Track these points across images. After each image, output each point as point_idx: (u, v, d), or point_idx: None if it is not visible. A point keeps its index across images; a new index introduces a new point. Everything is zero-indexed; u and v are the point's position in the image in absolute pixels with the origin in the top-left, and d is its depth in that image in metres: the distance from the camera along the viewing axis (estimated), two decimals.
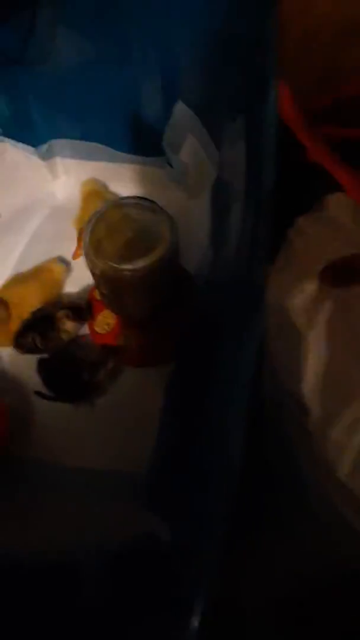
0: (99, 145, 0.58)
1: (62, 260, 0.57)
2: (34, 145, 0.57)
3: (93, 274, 0.43)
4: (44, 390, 0.50)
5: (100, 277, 0.43)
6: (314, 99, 0.38)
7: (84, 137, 0.56)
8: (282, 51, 0.39)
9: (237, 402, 0.28)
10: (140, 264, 0.41)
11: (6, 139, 0.57)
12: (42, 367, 0.50)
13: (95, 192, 0.60)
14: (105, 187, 0.61)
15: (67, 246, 0.57)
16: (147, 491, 0.44)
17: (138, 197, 0.44)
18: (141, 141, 0.56)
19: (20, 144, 0.57)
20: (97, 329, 0.53)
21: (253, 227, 0.32)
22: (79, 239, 0.57)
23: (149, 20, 0.45)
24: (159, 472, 0.46)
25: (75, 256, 0.57)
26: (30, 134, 0.56)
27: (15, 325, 0.51)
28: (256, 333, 0.29)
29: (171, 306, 0.49)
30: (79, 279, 0.56)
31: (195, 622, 0.22)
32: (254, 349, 0.28)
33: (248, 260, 0.32)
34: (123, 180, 0.60)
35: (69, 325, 0.52)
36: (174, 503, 0.37)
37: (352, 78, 0.37)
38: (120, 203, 0.45)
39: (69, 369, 0.50)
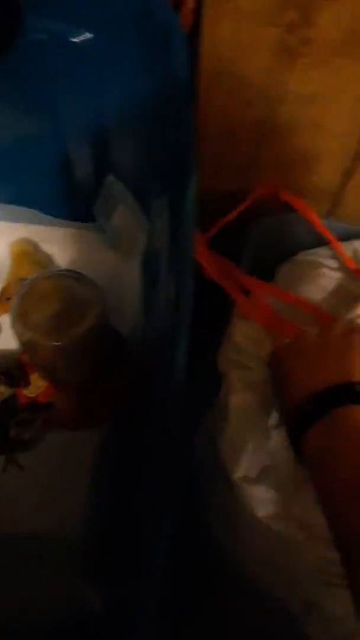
0: (31, 210, 0.59)
1: None
2: None
3: (21, 343, 0.43)
4: None
5: (28, 347, 0.44)
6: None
7: (16, 201, 0.57)
8: (205, 146, 0.43)
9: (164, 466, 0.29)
10: (67, 336, 0.42)
11: None
12: None
13: (25, 253, 0.60)
14: (35, 247, 0.62)
15: None
16: (79, 559, 0.44)
17: (66, 269, 0.46)
18: (73, 207, 0.57)
19: None
20: (27, 393, 0.52)
21: (176, 299, 0.35)
22: (5, 299, 0.56)
23: (82, 96, 0.47)
24: (90, 538, 0.46)
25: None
26: None
27: None
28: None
29: (104, 370, 0.50)
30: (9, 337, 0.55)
31: None
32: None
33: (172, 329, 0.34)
34: (55, 242, 0.61)
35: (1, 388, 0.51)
36: (107, 571, 0.37)
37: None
38: (48, 274, 0.46)
39: None
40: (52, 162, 0.54)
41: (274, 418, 0.34)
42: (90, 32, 0.39)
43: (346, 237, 0.41)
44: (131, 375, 0.52)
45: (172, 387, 0.32)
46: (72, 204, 0.59)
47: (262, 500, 0.33)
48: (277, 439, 0.33)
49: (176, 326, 0.34)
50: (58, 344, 0.42)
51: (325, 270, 0.39)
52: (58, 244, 0.62)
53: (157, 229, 0.50)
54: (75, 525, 0.46)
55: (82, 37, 0.40)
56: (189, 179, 0.38)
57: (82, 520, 0.47)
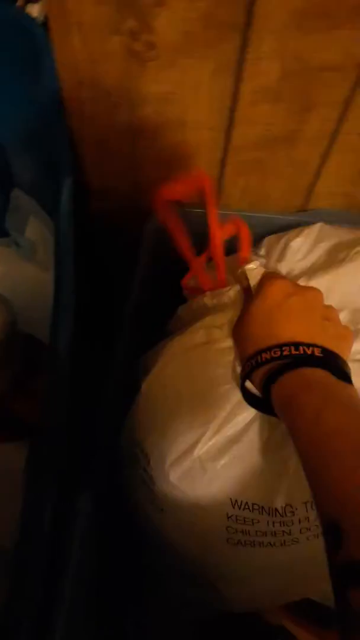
0: None
1: None
2: None
3: None
4: None
5: None
6: None
7: None
8: (86, 152, 0.45)
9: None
10: None
11: None
12: None
13: None
14: None
15: None
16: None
17: None
18: None
19: None
20: None
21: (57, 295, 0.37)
22: None
23: None
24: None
25: None
26: None
27: None
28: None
29: (25, 377, 0.52)
30: None
31: None
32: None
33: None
34: None
35: None
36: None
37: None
38: None
39: None
40: None
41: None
42: None
43: None
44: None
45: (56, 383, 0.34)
46: None
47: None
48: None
49: (58, 325, 0.36)
50: None
51: None
52: None
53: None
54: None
55: None
56: (63, 184, 0.41)
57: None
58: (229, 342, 0.35)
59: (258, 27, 0.37)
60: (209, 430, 0.33)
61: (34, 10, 0.40)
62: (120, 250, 0.52)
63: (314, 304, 0.32)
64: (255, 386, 0.32)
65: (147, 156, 0.45)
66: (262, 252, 0.44)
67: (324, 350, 0.29)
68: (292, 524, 0.34)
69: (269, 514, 0.33)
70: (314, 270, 0.40)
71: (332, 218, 0.45)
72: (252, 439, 0.33)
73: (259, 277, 0.34)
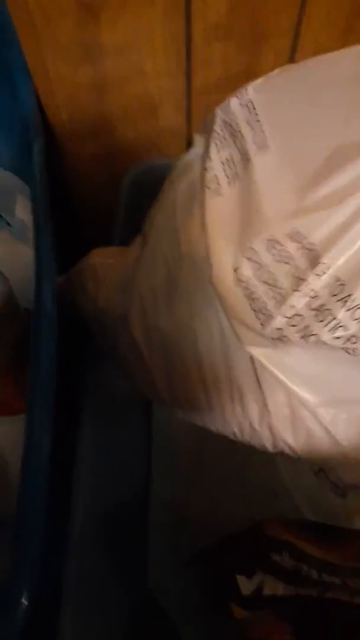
0: None
1: None
2: None
3: None
4: None
5: None
6: None
7: None
8: (55, 114, 0.47)
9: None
10: None
11: None
12: None
13: None
14: None
15: None
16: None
17: None
18: None
19: None
20: None
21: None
22: None
23: None
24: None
25: None
26: None
27: None
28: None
29: (27, 353, 0.54)
30: None
31: None
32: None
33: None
34: None
35: None
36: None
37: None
38: None
39: None
40: None
41: None
42: None
43: None
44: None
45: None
46: None
47: None
48: None
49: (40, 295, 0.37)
50: None
51: None
52: None
53: None
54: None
55: None
56: (34, 148, 0.42)
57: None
58: None
59: None
60: None
61: None
62: (95, 213, 0.54)
63: None
64: None
65: (116, 112, 0.47)
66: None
67: None
68: None
69: None
70: None
71: None
72: None
73: None
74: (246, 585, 0.36)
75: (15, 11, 0.39)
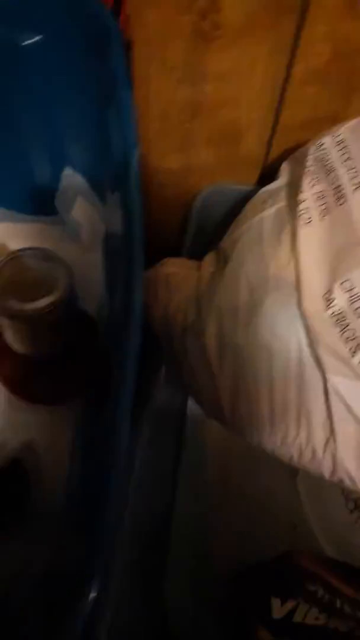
0: None
1: None
2: None
3: None
4: None
5: (5, 319, 0.48)
6: None
7: None
8: (147, 127, 0.49)
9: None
10: (41, 303, 0.47)
11: None
12: None
13: None
14: (3, 246, 0.67)
15: None
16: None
17: (34, 247, 0.50)
18: (36, 203, 0.63)
19: None
20: None
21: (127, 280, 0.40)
22: None
23: (33, 96, 0.53)
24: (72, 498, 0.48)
25: None
26: None
27: None
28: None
29: (76, 346, 0.55)
30: None
31: None
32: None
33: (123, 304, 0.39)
34: (22, 237, 0.66)
35: None
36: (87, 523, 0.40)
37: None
38: (17, 254, 0.50)
39: None
40: (11, 163, 0.59)
41: None
42: (38, 35, 0.46)
43: None
44: (98, 351, 0.56)
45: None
46: (34, 199, 0.64)
47: None
48: None
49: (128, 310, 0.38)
50: (32, 312, 0.46)
51: None
52: (25, 239, 0.67)
53: (111, 214, 0.55)
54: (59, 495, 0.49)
55: (31, 40, 0.47)
56: (131, 157, 0.44)
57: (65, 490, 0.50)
58: None
59: (313, 11, 0.41)
60: None
61: None
62: (164, 225, 0.56)
63: None
64: None
65: (201, 133, 0.49)
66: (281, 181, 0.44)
67: None
68: None
69: None
70: None
71: None
72: None
73: None
74: (279, 609, 0.36)
75: (137, 27, 0.41)
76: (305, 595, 0.37)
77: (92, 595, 0.26)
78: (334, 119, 0.48)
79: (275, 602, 0.37)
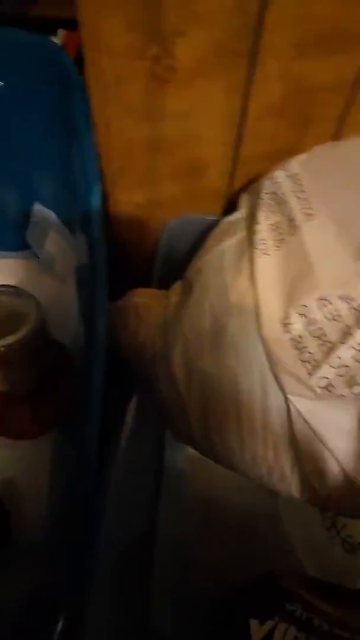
0: None
1: None
2: None
3: None
4: None
5: None
6: None
7: None
8: (110, 164, 0.51)
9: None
10: (11, 339, 0.48)
11: None
12: None
13: None
14: None
15: None
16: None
17: (2, 285, 0.51)
18: (8, 238, 0.64)
19: None
20: None
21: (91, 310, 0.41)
22: None
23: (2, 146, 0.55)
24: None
25: None
26: None
27: None
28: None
29: (52, 378, 0.55)
30: None
31: None
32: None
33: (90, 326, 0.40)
34: None
35: None
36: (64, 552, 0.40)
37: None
38: None
39: None
40: None
41: None
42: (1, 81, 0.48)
43: None
44: (74, 382, 0.57)
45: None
46: (7, 236, 0.66)
47: None
48: None
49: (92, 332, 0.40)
50: (3, 349, 0.47)
51: None
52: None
53: (80, 246, 0.57)
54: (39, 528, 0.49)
55: None
56: (92, 195, 0.46)
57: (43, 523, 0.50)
58: None
59: (263, 54, 0.43)
60: None
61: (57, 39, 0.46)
62: (134, 256, 0.57)
63: None
64: None
65: (165, 169, 0.51)
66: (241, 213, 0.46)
67: None
68: None
69: None
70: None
71: None
72: None
73: None
74: (257, 630, 0.37)
75: (92, 73, 0.44)
76: (284, 615, 0.37)
77: (60, 626, 0.26)
78: (293, 149, 0.50)
79: (254, 623, 0.37)
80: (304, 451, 0.34)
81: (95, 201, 0.45)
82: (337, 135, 0.49)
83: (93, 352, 0.37)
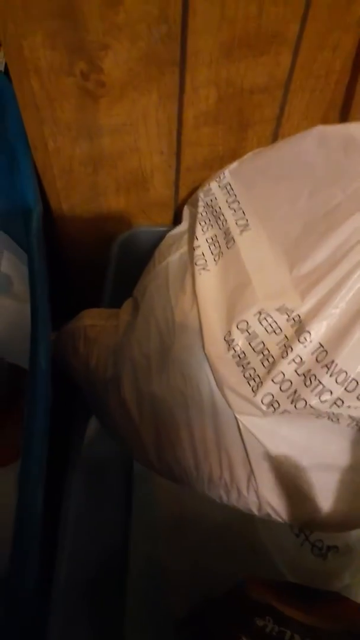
0: None
1: None
2: None
3: None
4: None
5: None
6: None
7: None
8: (52, 183, 0.50)
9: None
10: None
11: None
12: None
13: None
14: None
15: None
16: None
17: None
18: None
19: None
20: None
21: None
22: None
23: None
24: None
25: None
26: None
27: None
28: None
29: (10, 403, 0.54)
30: None
31: None
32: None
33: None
34: None
35: None
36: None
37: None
38: None
39: None
40: None
41: None
42: None
43: None
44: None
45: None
46: None
47: None
48: None
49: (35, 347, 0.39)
50: None
51: None
52: None
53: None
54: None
55: None
56: (31, 217, 0.45)
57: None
58: None
59: (192, 61, 0.42)
60: None
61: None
62: (85, 274, 0.56)
63: None
64: None
65: (109, 183, 0.50)
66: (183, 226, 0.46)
67: None
68: None
69: None
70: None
71: None
72: None
73: None
74: None
75: (21, 92, 0.42)
76: (254, 632, 0.37)
77: None
78: (234, 155, 0.49)
79: None
80: (257, 469, 0.34)
81: (35, 224, 0.44)
82: (276, 136, 0.48)
83: (33, 383, 0.36)
